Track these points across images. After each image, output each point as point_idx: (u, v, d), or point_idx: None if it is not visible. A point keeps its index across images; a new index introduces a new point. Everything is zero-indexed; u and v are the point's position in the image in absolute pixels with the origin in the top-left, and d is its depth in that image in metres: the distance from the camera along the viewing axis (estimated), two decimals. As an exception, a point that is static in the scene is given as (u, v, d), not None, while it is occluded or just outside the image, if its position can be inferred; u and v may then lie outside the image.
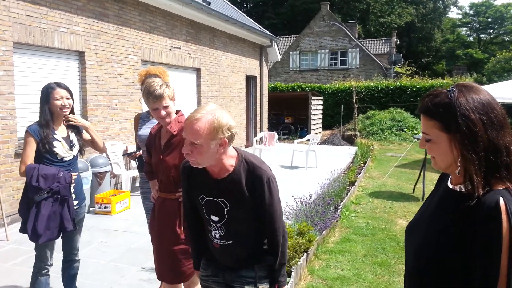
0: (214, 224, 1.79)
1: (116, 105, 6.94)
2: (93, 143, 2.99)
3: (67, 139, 2.82)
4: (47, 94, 2.71)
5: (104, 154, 6.51)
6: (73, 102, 2.84)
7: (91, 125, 3.01)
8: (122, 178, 6.64)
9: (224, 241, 1.79)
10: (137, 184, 6.73)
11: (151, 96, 2.34)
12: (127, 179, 6.57)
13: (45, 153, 2.69)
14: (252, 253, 1.81)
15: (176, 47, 8.56)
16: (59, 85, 2.76)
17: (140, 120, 3.23)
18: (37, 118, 2.77)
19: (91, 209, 5.74)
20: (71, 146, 2.83)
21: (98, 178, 5.90)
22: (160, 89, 2.34)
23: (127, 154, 3.20)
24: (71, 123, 2.84)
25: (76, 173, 2.82)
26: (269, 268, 1.82)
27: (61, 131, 2.81)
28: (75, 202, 2.86)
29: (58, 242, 2.93)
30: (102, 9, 6.52)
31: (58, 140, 2.74)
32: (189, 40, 9.08)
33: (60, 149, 2.74)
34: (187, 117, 1.66)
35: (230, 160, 1.73)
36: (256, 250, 1.82)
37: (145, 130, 3.08)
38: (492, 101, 1.15)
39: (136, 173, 6.47)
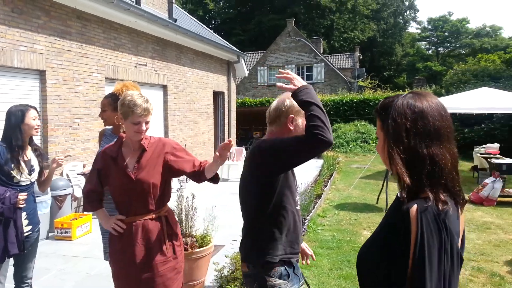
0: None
1: (78, 124, 6.80)
2: (43, 182, 2.93)
3: (28, 162, 2.73)
4: (22, 114, 2.67)
5: (65, 176, 6.34)
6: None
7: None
8: (83, 200, 6.46)
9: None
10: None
11: (138, 108, 2.19)
12: (92, 200, 6.40)
13: (1, 175, 2.60)
14: None
15: (142, 64, 8.52)
16: (30, 106, 2.76)
17: (103, 137, 3.11)
18: None
19: (50, 234, 5.53)
20: (30, 171, 2.74)
21: (58, 201, 5.70)
22: (147, 103, 2.23)
23: (82, 174, 3.12)
24: (60, 163, 2.85)
25: (25, 194, 2.67)
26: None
27: (24, 154, 2.74)
28: (28, 228, 2.75)
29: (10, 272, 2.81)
30: (64, 27, 6.43)
31: (19, 164, 2.67)
32: (155, 57, 9.07)
33: (18, 172, 2.66)
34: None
35: None
36: None
37: None
38: (427, 110, 1.17)
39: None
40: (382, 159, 1.28)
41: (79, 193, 6.37)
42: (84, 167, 3.23)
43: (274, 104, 2.00)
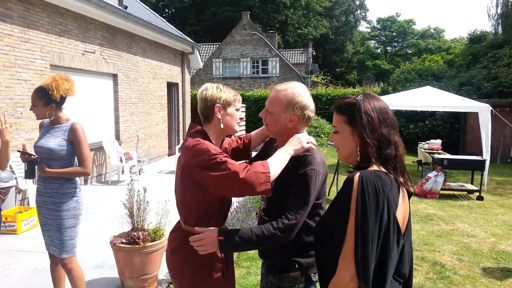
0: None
1: (21, 113, 6.38)
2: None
3: None
4: None
5: (8, 167, 5.93)
6: None
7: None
8: (28, 193, 6.11)
9: (263, 213, 1.89)
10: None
11: (239, 95, 2.00)
12: (34, 194, 6.06)
13: None
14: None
15: (89, 52, 8.13)
16: None
17: (41, 128, 3.00)
18: None
19: (-8, 228, 5.18)
20: None
21: (1, 194, 5.34)
22: None
23: (20, 152, 2.88)
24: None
25: None
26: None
27: None
28: None
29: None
30: (3, 9, 5.97)
31: None
32: (104, 44, 8.68)
33: None
34: (272, 87, 1.86)
35: None
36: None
37: (45, 141, 2.86)
38: (386, 107, 1.49)
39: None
40: (346, 152, 1.51)
41: (23, 185, 6.01)
42: (23, 147, 3.00)
43: (288, 90, 1.84)
